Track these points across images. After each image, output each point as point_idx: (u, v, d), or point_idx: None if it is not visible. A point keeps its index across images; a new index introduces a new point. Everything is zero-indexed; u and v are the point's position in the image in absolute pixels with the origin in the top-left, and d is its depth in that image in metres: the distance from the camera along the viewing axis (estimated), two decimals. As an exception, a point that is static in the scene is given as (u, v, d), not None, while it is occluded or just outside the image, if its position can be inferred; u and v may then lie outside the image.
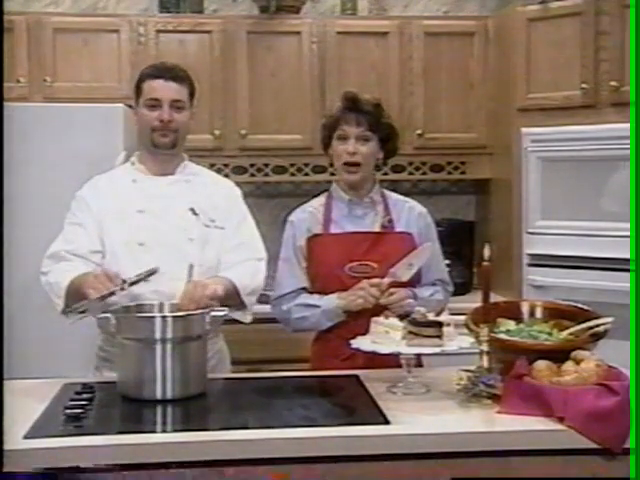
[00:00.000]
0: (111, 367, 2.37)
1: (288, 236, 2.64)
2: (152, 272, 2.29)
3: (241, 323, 2.50)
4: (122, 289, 2.20)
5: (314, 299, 2.54)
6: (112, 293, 2.18)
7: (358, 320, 2.41)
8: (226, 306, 2.27)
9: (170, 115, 2.45)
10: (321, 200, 2.67)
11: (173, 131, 2.48)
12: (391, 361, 2.20)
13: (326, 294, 2.51)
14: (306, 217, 2.64)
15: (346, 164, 2.54)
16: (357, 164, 2.53)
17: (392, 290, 2.41)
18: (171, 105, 2.46)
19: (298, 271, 2.60)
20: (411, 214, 2.62)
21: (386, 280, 2.41)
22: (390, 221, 2.58)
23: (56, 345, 3.12)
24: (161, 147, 2.50)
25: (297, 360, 2.76)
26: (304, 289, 2.59)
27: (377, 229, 2.58)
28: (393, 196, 2.68)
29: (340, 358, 2.47)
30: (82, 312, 2.30)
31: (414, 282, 2.54)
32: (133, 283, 2.25)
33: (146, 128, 2.49)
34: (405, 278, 2.42)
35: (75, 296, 2.28)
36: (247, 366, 2.91)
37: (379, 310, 2.33)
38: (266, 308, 2.71)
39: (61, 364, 2.78)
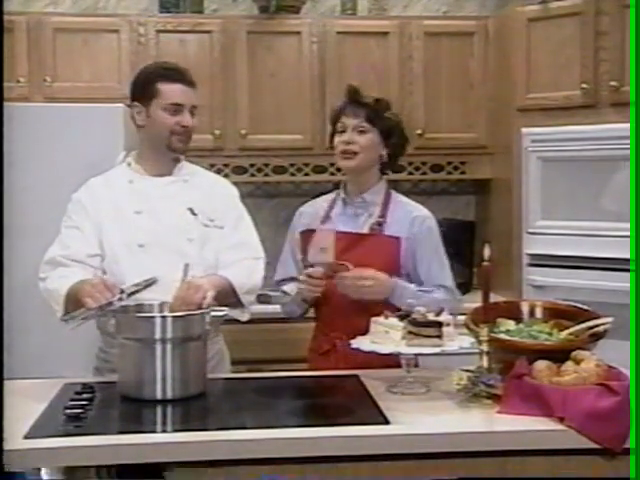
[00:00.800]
0: (111, 368, 2.36)
1: (290, 227, 2.71)
2: (151, 282, 2.28)
3: (239, 322, 2.50)
4: (120, 299, 2.17)
5: (288, 287, 2.62)
6: (110, 303, 2.15)
7: (336, 315, 2.48)
8: (223, 305, 2.28)
9: (191, 121, 2.48)
10: (329, 197, 2.69)
11: (189, 137, 2.50)
12: (367, 360, 2.21)
13: None
14: (308, 211, 2.68)
15: (342, 152, 2.55)
16: (353, 152, 2.53)
17: (342, 275, 2.41)
18: (189, 110, 2.48)
19: (290, 261, 2.66)
20: (405, 218, 2.56)
21: (318, 269, 2.40)
22: (380, 224, 2.55)
23: (56, 345, 3.12)
24: (177, 151, 2.52)
25: (297, 360, 2.76)
26: (294, 279, 2.61)
27: (366, 231, 2.56)
28: (399, 199, 2.63)
29: (318, 352, 2.55)
30: (85, 317, 2.28)
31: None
32: (132, 294, 2.22)
33: (164, 131, 2.46)
34: (329, 260, 2.40)
35: (74, 303, 2.25)
36: (247, 366, 2.92)
37: (362, 307, 2.35)
38: (266, 308, 2.71)
39: (61, 364, 2.78)
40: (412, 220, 2.56)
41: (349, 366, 2.37)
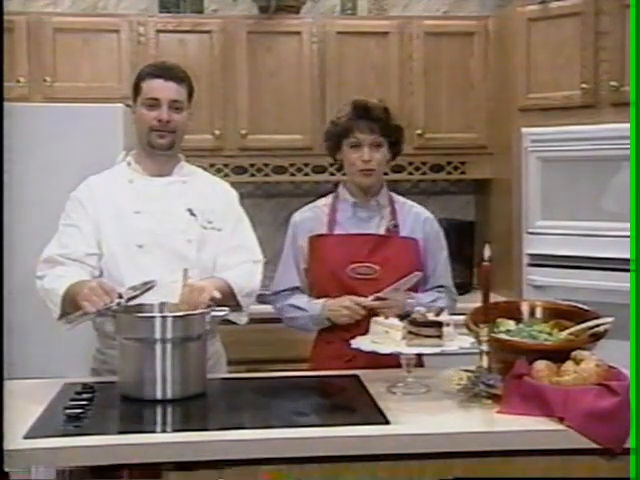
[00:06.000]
0: (109, 370, 2.36)
1: (289, 236, 2.67)
2: (150, 287, 2.27)
3: (236, 324, 2.50)
4: (119, 304, 2.16)
5: (303, 302, 2.57)
6: (109, 308, 2.14)
7: (364, 324, 2.40)
8: (222, 307, 2.27)
9: (169, 115, 2.44)
10: (326, 201, 2.67)
11: (171, 132, 2.46)
12: (392, 362, 2.20)
13: (327, 295, 2.52)
14: (309, 217, 2.65)
15: (361, 170, 2.54)
16: (372, 170, 2.54)
17: (388, 303, 2.40)
18: (170, 105, 2.44)
19: (294, 271, 2.62)
20: (417, 220, 2.62)
21: (370, 299, 2.41)
22: (396, 225, 2.58)
23: (55, 346, 3.11)
24: (158, 148, 2.48)
25: (296, 360, 2.76)
26: (297, 288, 2.61)
27: (382, 233, 2.57)
28: (400, 200, 2.67)
29: (343, 360, 2.46)
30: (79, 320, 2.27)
31: (417, 287, 2.55)
32: (130, 299, 2.21)
33: (144, 128, 2.47)
34: (396, 299, 2.41)
35: (71, 304, 2.24)
36: (246, 366, 2.92)
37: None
38: (265, 308, 2.71)
39: (60, 365, 2.77)
40: (424, 222, 2.63)
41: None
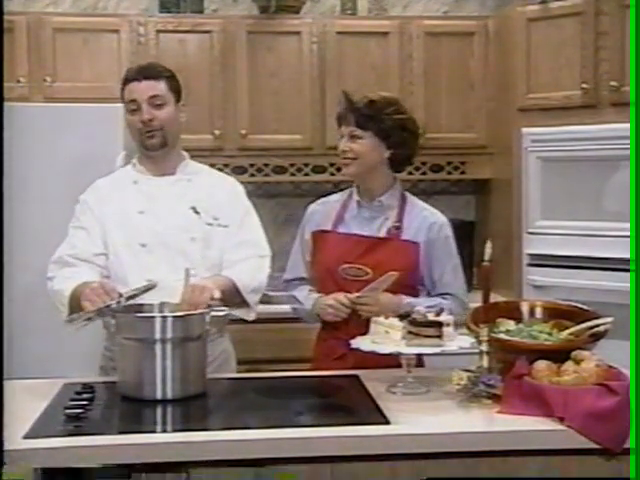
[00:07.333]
0: (114, 367, 2.36)
1: (300, 226, 2.69)
2: (150, 287, 2.29)
3: (244, 322, 2.50)
4: (119, 302, 2.18)
5: (302, 295, 2.60)
6: (108, 307, 2.15)
7: (353, 322, 2.43)
8: (228, 305, 2.28)
9: (150, 113, 2.42)
10: (340, 197, 2.67)
11: (158, 129, 2.45)
12: (382, 361, 2.20)
13: (324, 290, 2.53)
14: (320, 211, 2.65)
15: (342, 160, 2.56)
16: (349, 159, 2.52)
17: (364, 301, 2.41)
18: (149, 103, 2.43)
19: (300, 261, 2.65)
20: (423, 223, 2.54)
21: (352, 295, 2.41)
22: (398, 228, 2.53)
23: (59, 347, 3.11)
24: (151, 149, 2.48)
25: (298, 360, 2.76)
26: (304, 279, 2.64)
27: (383, 234, 2.54)
28: (414, 202, 2.61)
29: (332, 357, 2.50)
30: (87, 319, 2.28)
31: (417, 292, 2.54)
32: (130, 297, 2.23)
33: (134, 132, 2.48)
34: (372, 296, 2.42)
35: (77, 305, 2.25)
36: (247, 366, 2.91)
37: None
38: (267, 308, 2.71)
39: (65, 365, 2.77)
40: (430, 226, 2.55)
41: (369, 368, 2.33)
